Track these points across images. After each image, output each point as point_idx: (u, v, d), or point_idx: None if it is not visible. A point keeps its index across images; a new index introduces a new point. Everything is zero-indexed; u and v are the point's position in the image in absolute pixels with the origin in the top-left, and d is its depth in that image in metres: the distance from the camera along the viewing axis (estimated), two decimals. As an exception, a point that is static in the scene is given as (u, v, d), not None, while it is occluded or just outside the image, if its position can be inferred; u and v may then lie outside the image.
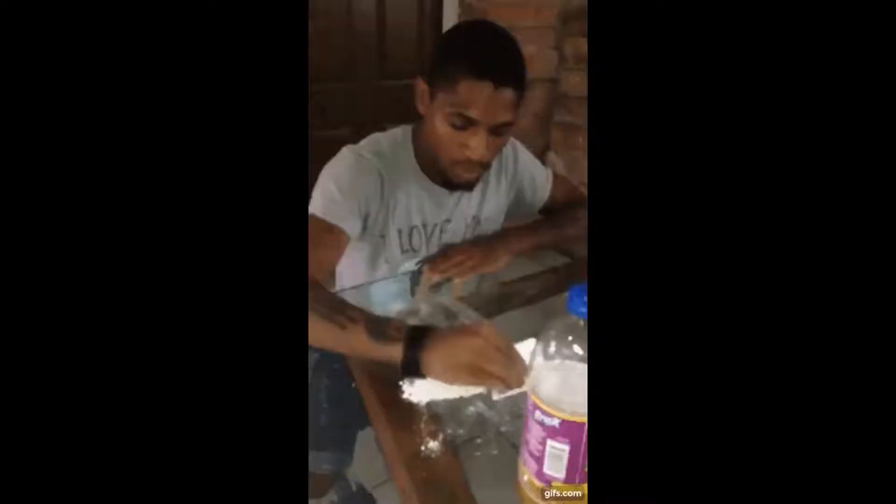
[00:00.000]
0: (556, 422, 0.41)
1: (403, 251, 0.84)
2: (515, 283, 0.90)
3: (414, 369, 0.56)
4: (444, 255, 0.83)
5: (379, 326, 0.59)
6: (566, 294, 0.41)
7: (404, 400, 0.60)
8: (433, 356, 0.55)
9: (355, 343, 0.59)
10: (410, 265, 0.86)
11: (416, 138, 0.82)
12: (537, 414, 0.42)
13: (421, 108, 0.76)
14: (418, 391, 0.60)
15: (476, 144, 0.71)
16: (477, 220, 0.90)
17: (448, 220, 0.86)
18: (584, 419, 0.40)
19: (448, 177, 0.79)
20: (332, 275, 0.92)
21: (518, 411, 0.54)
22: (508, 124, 0.72)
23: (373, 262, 0.84)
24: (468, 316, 0.78)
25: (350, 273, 0.89)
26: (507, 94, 0.69)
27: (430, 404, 0.59)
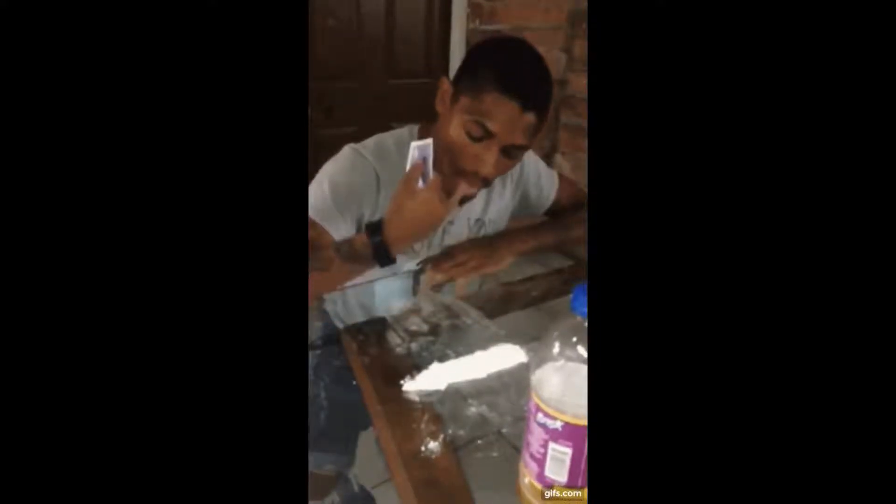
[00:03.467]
0: (558, 424, 0.40)
1: (404, 251, 0.84)
2: (519, 284, 0.89)
3: (383, 253, 0.66)
4: (447, 255, 0.83)
5: (347, 248, 0.68)
6: (570, 295, 0.41)
7: (405, 398, 0.60)
8: (391, 226, 0.65)
9: (343, 275, 0.69)
10: (412, 264, 0.86)
11: (423, 139, 0.81)
12: (539, 416, 0.42)
13: (439, 107, 0.75)
14: (417, 383, 0.62)
15: (486, 159, 0.70)
16: (481, 222, 0.89)
17: (451, 222, 0.86)
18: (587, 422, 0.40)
19: (447, 184, 0.78)
20: None
21: (520, 413, 0.54)
22: (522, 148, 0.71)
23: None
24: (470, 315, 0.77)
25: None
26: (531, 118, 0.68)
27: (431, 403, 0.59)
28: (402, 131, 0.83)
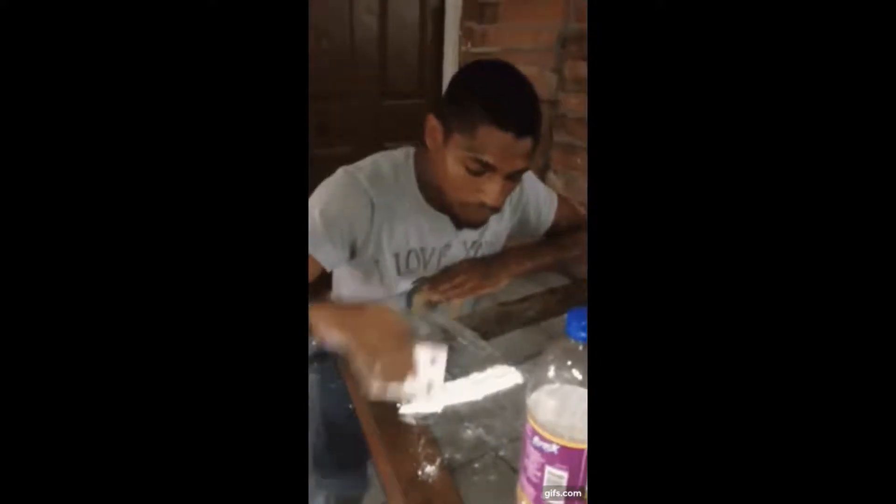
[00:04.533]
0: (554, 448, 0.41)
1: (400, 273, 0.83)
2: (514, 304, 0.90)
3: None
4: (444, 276, 0.83)
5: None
6: (566, 316, 0.41)
7: (401, 422, 0.60)
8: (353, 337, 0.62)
9: None
10: (407, 284, 0.86)
11: (419, 165, 0.80)
12: (535, 440, 0.42)
13: (430, 144, 0.74)
14: (413, 406, 0.61)
15: (492, 190, 0.70)
16: (478, 244, 0.89)
17: (448, 246, 0.85)
18: (583, 445, 0.40)
19: (456, 216, 0.77)
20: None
21: (517, 434, 0.54)
22: (524, 170, 0.71)
23: (368, 281, 0.83)
24: (466, 336, 0.77)
25: (347, 291, 0.89)
26: (527, 143, 0.68)
27: (427, 426, 0.59)
28: (398, 154, 0.81)
